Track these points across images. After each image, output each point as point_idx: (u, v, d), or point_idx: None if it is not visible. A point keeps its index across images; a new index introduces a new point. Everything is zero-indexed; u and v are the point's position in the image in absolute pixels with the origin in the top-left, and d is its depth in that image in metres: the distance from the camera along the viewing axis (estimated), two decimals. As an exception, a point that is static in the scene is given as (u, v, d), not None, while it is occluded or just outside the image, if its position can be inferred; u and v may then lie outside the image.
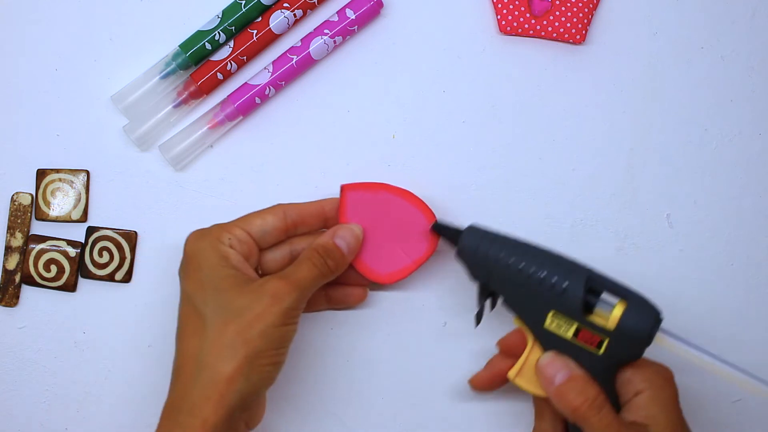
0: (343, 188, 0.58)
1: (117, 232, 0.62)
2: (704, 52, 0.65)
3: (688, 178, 0.65)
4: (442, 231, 0.58)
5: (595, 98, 0.65)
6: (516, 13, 0.64)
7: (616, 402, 0.55)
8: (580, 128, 0.64)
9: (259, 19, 0.62)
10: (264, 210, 0.58)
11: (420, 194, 0.63)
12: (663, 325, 0.54)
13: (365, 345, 0.63)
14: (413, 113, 0.64)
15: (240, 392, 0.52)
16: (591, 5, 0.64)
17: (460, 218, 0.63)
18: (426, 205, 0.59)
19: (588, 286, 0.54)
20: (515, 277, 0.54)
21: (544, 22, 0.64)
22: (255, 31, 0.62)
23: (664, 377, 0.55)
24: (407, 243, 0.59)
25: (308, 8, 0.63)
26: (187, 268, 0.55)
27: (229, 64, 0.62)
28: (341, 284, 0.61)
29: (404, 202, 0.59)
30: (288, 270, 0.55)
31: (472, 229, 0.57)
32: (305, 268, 0.55)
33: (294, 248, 0.59)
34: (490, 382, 0.60)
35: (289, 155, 0.63)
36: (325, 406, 0.63)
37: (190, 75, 0.62)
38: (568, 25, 0.64)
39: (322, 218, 0.59)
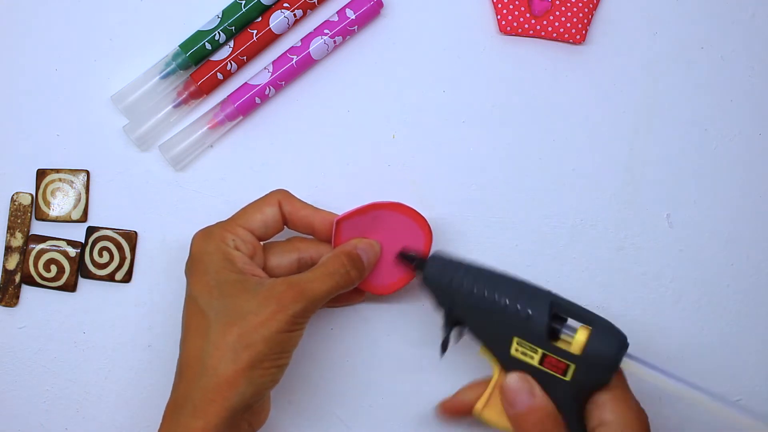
0: (338, 221, 0.57)
1: (117, 232, 0.62)
2: (704, 52, 0.65)
3: (688, 178, 0.65)
4: (407, 259, 0.58)
5: (595, 98, 0.65)
6: (516, 13, 0.64)
7: (583, 429, 0.54)
8: (580, 128, 0.64)
9: (259, 19, 0.62)
10: (261, 201, 0.57)
11: (420, 194, 0.63)
12: (631, 350, 0.53)
13: (365, 345, 0.63)
14: (413, 113, 0.64)
15: (242, 394, 0.52)
16: (591, 5, 0.64)
17: (460, 218, 0.63)
18: (418, 214, 0.58)
19: (552, 312, 0.53)
20: (479, 304, 0.54)
21: (544, 22, 0.64)
22: (255, 31, 0.62)
23: (637, 416, 0.53)
24: (401, 243, 0.59)
25: (308, 8, 0.63)
26: (194, 270, 0.55)
27: (229, 64, 0.62)
28: None
29: (395, 214, 0.58)
30: (302, 276, 0.54)
31: (436, 258, 0.56)
32: (321, 278, 0.54)
33: (302, 255, 0.58)
34: (456, 410, 0.59)
35: (289, 155, 0.63)
36: (325, 406, 0.63)
37: (190, 75, 0.62)
38: (568, 25, 0.64)
39: (309, 227, 0.58)
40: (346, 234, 0.57)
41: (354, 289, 0.59)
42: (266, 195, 0.58)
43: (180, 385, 0.53)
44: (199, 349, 0.52)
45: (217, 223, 0.57)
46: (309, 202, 0.61)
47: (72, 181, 0.62)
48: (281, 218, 0.57)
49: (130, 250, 0.63)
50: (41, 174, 0.62)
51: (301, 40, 0.62)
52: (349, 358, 0.63)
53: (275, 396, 0.62)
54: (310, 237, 0.59)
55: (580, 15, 0.64)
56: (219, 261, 0.54)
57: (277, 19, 0.62)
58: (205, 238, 0.56)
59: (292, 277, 0.54)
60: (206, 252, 0.55)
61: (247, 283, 0.53)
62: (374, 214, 0.58)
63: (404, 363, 0.63)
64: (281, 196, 0.58)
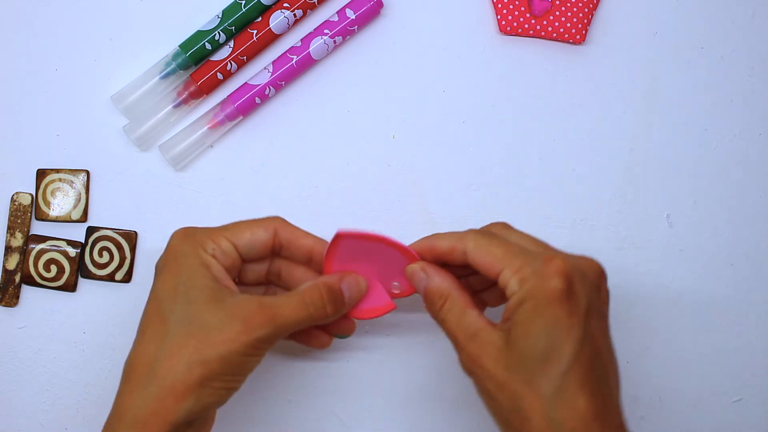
0: (339, 235, 0.54)
1: (117, 232, 0.62)
2: (704, 52, 0.65)
3: (688, 178, 0.65)
4: None
5: (595, 98, 0.65)
6: (516, 13, 0.64)
7: None
8: (580, 128, 0.64)
9: (259, 19, 0.62)
10: (256, 222, 0.54)
11: (420, 194, 0.63)
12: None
13: (365, 345, 0.63)
14: (413, 113, 0.64)
15: (187, 411, 0.49)
16: (591, 5, 0.64)
17: (460, 218, 0.63)
18: (413, 254, 0.55)
19: None
20: None
21: (544, 22, 0.64)
22: (255, 31, 0.62)
23: (540, 276, 0.49)
24: (389, 282, 0.57)
25: (308, 8, 0.63)
26: (166, 269, 0.52)
27: (229, 64, 0.62)
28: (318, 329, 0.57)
29: (396, 253, 0.55)
30: (275, 299, 0.51)
31: None
32: (294, 305, 0.51)
33: (274, 266, 0.56)
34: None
35: (289, 155, 0.63)
36: (326, 406, 0.63)
37: (190, 75, 0.62)
38: (568, 25, 0.64)
39: (307, 256, 0.55)
40: (341, 250, 0.55)
41: (322, 335, 0.57)
42: (263, 218, 0.55)
43: (124, 390, 0.50)
44: (150, 355, 0.50)
45: (203, 228, 0.54)
46: (309, 203, 0.61)
47: (72, 181, 0.62)
48: (271, 245, 0.54)
49: (130, 250, 0.63)
50: (41, 174, 0.62)
51: (301, 40, 0.62)
52: (349, 358, 0.63)
53: (276, 396, 0.62)
54: (288, 261, 0.56)
55: (580, 15, 0.64)
56: (193, 264, 0.51)
57: (277, 19, 0.62)
58: (185, 237, 0.53)
59: (265, 298, 0.51)
60: (182, 252, 0.52)
61: (217, 292, 0.51)
62: (374, 244, 0.54)
63: (404, 363, 0.63)
64: (278, 223, 0.55)
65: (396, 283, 0.56)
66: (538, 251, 0.51)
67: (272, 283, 0.58)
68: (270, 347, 0.51)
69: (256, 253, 0.54)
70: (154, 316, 0.51)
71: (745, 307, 0.65)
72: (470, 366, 0.50)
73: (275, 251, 0.55)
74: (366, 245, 0.54)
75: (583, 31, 0.64)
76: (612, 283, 0.64)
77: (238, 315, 0.50)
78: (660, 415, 0.64)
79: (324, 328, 0.57)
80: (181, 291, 0.51)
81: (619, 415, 0.49)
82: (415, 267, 0.54)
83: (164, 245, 0.62)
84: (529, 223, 0.64)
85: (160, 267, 0.53)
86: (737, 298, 0.65)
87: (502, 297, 0.53)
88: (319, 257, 0.55)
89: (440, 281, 0.53)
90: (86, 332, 0.63)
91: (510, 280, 0.50)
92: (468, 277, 0.56)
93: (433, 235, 0.54)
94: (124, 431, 0.49)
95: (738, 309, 0.65)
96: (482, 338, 0.50)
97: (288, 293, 0.53)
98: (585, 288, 0.49)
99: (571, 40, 0.64)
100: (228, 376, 0.50)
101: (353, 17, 0.62)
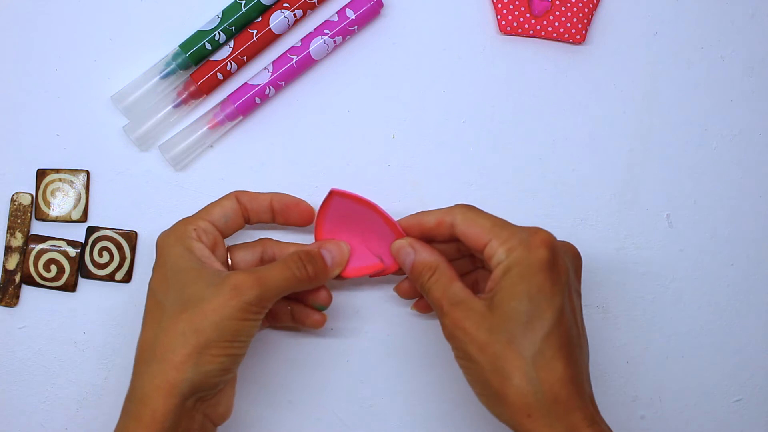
0: (332, 192, 0.57)
1: (117, 232, 0.62)
2: (704, 52, 0.65)
3: (688, 178, 0.65)
4: None
5: (595, 98, 0.65)
6: (516, 13, 0.64)
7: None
8: (580, 128, 0.64)
9: (259, 19, 0.62)
10: (219, 199, 0.58)
11: (420, 194, 0.63)
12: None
13: (365, 344, 0.63)
14: (413, 113, 0.64)
15: (190, 381, 0.51)
16: (591, 5, 0.64)
17: (460, 218, 0.63)
18: (399, 229, 0.58)
19: None
20: None
21: (544, 22, 0.64)
22: (255, 31, 0.62)
23: (527, 244, 0.52)
24: (378, 251, 0.59)
25: (308, 8, 0.63)
26: (155, 265, 0.55)
27: (229, 64, 0.62)
28: (304, 304, 0.60)
29: (384, 225, 0.58)
30: (260, 267, 0.54)
31: None
32: (278, 268, 0.54)
33: (266, 251, 0.59)
34: (413, 291, 0.60)
35: (289, 155, 0.63)
36: (326, 406, 0.63)
37: (190, 75, 0.62)
38: (568, 25, 0.64)
39: (269, 210, 0.59)
40: (332, 209, 0.57)
41: (314, 313, 0.60)
42: (224, 195, 0.58)
43: (133, 374, 0.53)
44: (150, 338, 0.52)
45: (180, 220, 0.57)
46: (310, 203, 0.61)
47: (72, 181, 0.62)
48: (240, 211, 0.58)
49: (130, 250, 0.63)
50: (41, 174, 0.62)
51: (301, 40, 0.62)
52: (349, 358, 0.63)
53: (276, 396, 0.62)
54: (279, 242, 0.59)
55: (580, 15, 0.64)
56: (178, 251, 0.54)
57: (277, 19, 0.62)
58: (167, 233, 0.56)
59: (252, 268, 0.55)
60: (167, 244, 0.55)
61: (203, 271, 0.53)
62: (369, 212, 0.57)
63: (404, 363, 0.63)
64: (237, 192, 0.58)
65: (379, 258, 0.59)
66: (521, 226, 0.54)
67: None
68: (262, 311, 0.53)
69: (230, 222, 0.57)
70: (152, 307, 0.54)
71: (745, 307, 0.65)
72: (453, 331, 0.53)
73: (246, 219, 0.58)
74: (357, 211, 0.57)
75: (583, 31, 0.64)
76: (612, 283, 0.64)
77: (227, 283, 0.52)
78: (660, 415, 0.64)
79: (303, 299, 0.59)
80: (171, 277, 0.53)
81: (589, 387, 0.53)
82: (402, 242, 0.57)
83: (164, 245, 0.63)
84: (529, 223, 0.64)
85: (153, 268, 0.55)
86: (737, 298, 0.65)
87: (478, 283, 0.59)
88: (279, 206, 0.59)
89: (428, 255, 0.56)
90: (86, 332, 0.63)
91: (498, 250, 0.53)
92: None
93: (418, 212, 0.57)
94: (135, 407, 0.51)
95: (738, 309, 0.65)
96: (466, 305, 0.52)
97: (275, 261, 0.55)
98: (566, 263, 0.53)
99: (571, 40, 0.64)
100: (224, 342, 0.52)
101: (353, 17, 0.62)
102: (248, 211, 0.58)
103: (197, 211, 0.57)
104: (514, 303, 0.51)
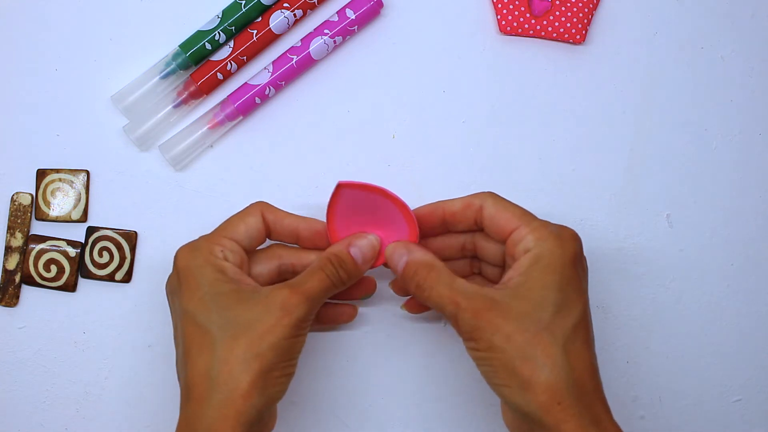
0: (340, 185, 0.55)
1: (117, 232, 0.62)
2: (704, 52, 0.65)
3: (688, 178, 0.65)
4: None
5: (595, 98, 0.65)
6: (516, 13, 0.64)
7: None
8: (580, 128, 0.64)
9: (259, 19, 0.62)
10: (243, 212, 0.56)
11: (420, 194, 0.63)
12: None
13: (366, 345, 0.63)
14: (413, 113, 0.64)
15: (256, 407, 0.50)
16: (591, 5, 0.64)
17: (460, 218, 0.63)
18: (413, 220, 0.57)
19: None
20: None
21: (544, 22, 0.64)
22: (255, 31, 0.62)
23: (558, 236, 0.53)
24: (394, 237, 0.57)
25: (308, 8, 0.63)
26: (185, 287, 0.53)
27: (229, 64, 0.62)
28: (332, 302, 0.59)
29: (395, 209, 0.56)
30: (298, 279, 0.54)
31: None
32: (317, 278, 0.54)
33: (283, 262, 0.58)
34: (420, 306, 0.59)
35: (289, 155, 0.63)
36: (327, 407, 0.63)
37: (190, 75, 0.62)
38: (568, 25, 0.64)
39: (294, 235, 0.57)
40: (342, 202, 0.56)
41: (346, 307, 0.60)
42: (247, 206, 0.57)
43: (189, 405, 0.51)
44: (205, 366, 0.51)
45: (202, 237, 0.56)
46: (309, 203, 0.61)
47: (72, 181, 0.62)
48: (264, 228, 0.57)
49: (130, 250, 0.63)
50: (41, 174, 0.62)
51: (301, 40, 0.62)
52: (349, 358, 0.63)
53: (275, 396, 0.62)
54: (292, 245, 0.59)
55: (580, 15, 0.64)
56: (211, 273, 0.53)
57: (277, 19, 0.62)
58: (191, 252, 0.54)
59: (290, 282, 0.54)
60: (195, 266, 0.53)
61: (242, 292, 0.52)
62: (379, 199, 0.56)
63: (405, 363, 0.63)
64: (263, 206, 0.57)
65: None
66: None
67: (286, 280, 0.58)
68: (309, 324, 0.53)
69: (254, 241, 0.56)
70: (194, 332, 0.52)
71: (745, 307, 0.65)
72: (475, 322, 0.51)
73: (269, 235, 0.57)
74: (367, 200, 0.56)
75: (583, 31, 0.64)
76: (612, 283, 0.64)
77: (274, 303, 0.52)
78: (660, 415, 0.64)
79: (347, 296, 0.59)
80: (210, 301, 0.52)
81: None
82: (396, 244, 0.56)
83: (164, 245, 0.63)
84: (529, 223, 0.64)
85: (175, 287, 0.54)
86: (737, 298, 0.65)
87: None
88: (306, 234, 0.57)
89: (424, 254, 0.55)
90: (86, 332, 0.63)
91: (527, 237, 0.53)
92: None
93: (438, 201, 0.57)
94: None
95: (738, 309, 0.65)
96: (485, 295, 0.52)
97: (307, 270, 0.55)
98: (585, 262, 0.55)
99: (571, 40, 0.64)
100: (284, 362, 0.52)
101: (353, 17, 0.62)
102: (271, 231, 0.57)
103: (219, 226, 0.56)
104: (545, 292, 0.51)
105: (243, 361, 0.50)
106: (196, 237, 0.56)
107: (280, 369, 0.51)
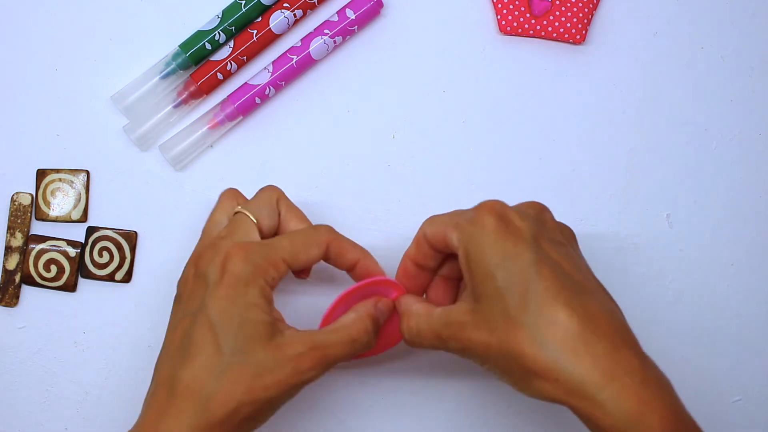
0: (337, 301, 0.55)
1: (117, 232, 0.62)
2: (704, 52, 0.65)
3: (688, 178, 0.65)
4: None
5: (595, 98, 0.65)
6: (516, 13, 0.64)
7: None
8: (580, 128, 0.64)
9: (259, 19, 0.62)
10: (311, 239, 0.54)
11: (420, 194, 0.63)
12: None
13: (365, 345, 0.63)
14: (413, 113, 0.64)
15: None
16: (591, 5, 0.64)
17: (460, 218, 0.63)
18: (399, 286, 0.56)
19: None
20: None
21: (544, 22, 0.64)
22: (255, 31, 0.62)
23: (472, 220, 0.50)
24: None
25: (308, 8, 0.63)
26: (222, 290, 0.51)
27: (229, 64, 0.62)
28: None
29: (388, 288, 0.56)
30: (324, 339, 0.51)
31: None
32: (342, 343, 0.52)
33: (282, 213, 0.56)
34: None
35: (289, 155, 0.63)
36: (325, 406, 0.63)
37: (190, 75, 0.62)
38: (568, 25, 0.64)
39: (352, 266, 0.56)
40: (341, 305, 0.55)
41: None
42: (316, 230, 0.54)
43: (167, 408, 0.50)
44: (202, 382, 0.49)
45: (262, 248, 0.52)
46: (309, 203, 0.61)
47: (72, 181, 0.62)
48: (320, 259, 0.55)
49: (130, 250, 0.63)
50: (41, 174, 0.62)
51: (301, 40, 0.62)
52: (349, 358, 0.63)
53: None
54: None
55: (580, 15, 0.64)
56: (252, 294, 0.51)
57: (277, 19, 0.62)
58: (246, 259, 0.51)
59: (314, 338, 0.51)
60: (243, 279, 0.51)
61: (271, 328, 0.51)
62: (369, 287, 0.56)
63: (404, 363, 0.63)
64: (331, 237, 0.54)
65: None
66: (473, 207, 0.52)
67: None
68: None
69: (306, 269, 0.56)
70: (208, 341, 0.50)
71: (745, 307, 0.65)
72: (463, 348, 0.50)
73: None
74: (357, 290, 0.55)
75: (583, 31, 0.64)
76: (612, 283, 0.64)
77: (290, 357, 0.50)
78: (660, 415, 0.64)
79: None
80: (237, 322, 0.50)
81: (619, 330, 0.49)
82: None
83: (164, 245, 0.63)
84: (529, 223, 0.64)
85: (214, 278, 0.51)
86: (737, 298, 0.65)
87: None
88: (361, 272, 0.56)
89: (388, 305, 0.55)
90: (86, 332, 0.63)
91: (452, 237, 0.51)
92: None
93: (403, 255, 0.56)
94: None
95: (738, 309, 0.65)
96: (453, 318, 0.51)
97: (334, 328, 0.53)
98: (525, 222, 0.50)
99: (571, 40, 0.64)
100: (269, 412, 0.51)
101: (353, 17, 0.62)
102: (327, 257, 0.55)
103: (282, 242, 0.53)
104: (488, 282, 0.49)
105: (239, 402, 0.49)
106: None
107: (264, 417, 0.51)
